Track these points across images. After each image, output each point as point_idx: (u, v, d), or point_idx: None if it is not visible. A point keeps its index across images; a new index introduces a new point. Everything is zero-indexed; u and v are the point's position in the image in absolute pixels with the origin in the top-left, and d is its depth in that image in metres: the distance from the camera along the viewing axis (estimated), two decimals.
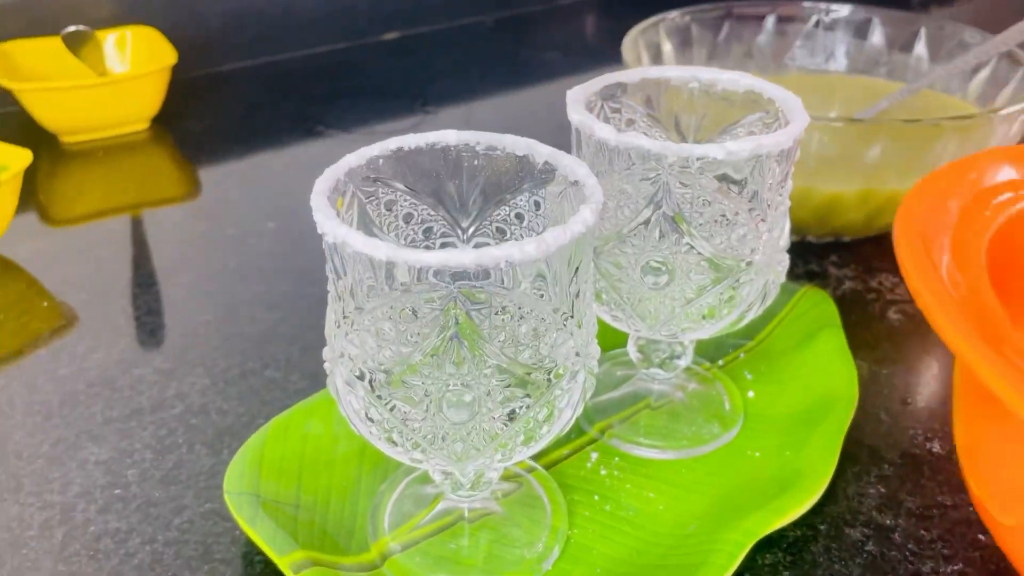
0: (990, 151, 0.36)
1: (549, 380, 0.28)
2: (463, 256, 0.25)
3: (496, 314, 0.27)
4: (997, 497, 0.30)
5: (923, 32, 0.63)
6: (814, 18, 0.66)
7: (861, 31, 0.66)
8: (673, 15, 0.64)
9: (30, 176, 0.58)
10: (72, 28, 0.69)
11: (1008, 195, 0.33)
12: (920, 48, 0.63)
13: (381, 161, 0.31)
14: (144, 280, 0.54)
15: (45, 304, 0.51)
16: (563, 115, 0.35)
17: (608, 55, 0.61)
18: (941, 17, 0.65)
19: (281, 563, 0.32)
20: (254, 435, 0.37)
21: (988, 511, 0.30)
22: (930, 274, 0.27)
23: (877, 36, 0.65)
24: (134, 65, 0.74)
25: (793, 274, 0.52)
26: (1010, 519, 0.29)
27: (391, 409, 0.28)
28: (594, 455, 0.39)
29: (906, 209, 0.31)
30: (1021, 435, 0.27)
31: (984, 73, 0.58)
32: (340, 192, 0.29)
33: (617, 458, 0.39)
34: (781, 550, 0.36)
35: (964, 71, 0.59)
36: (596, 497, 0.37)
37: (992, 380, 0.23)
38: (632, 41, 0.59)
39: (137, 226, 0.60)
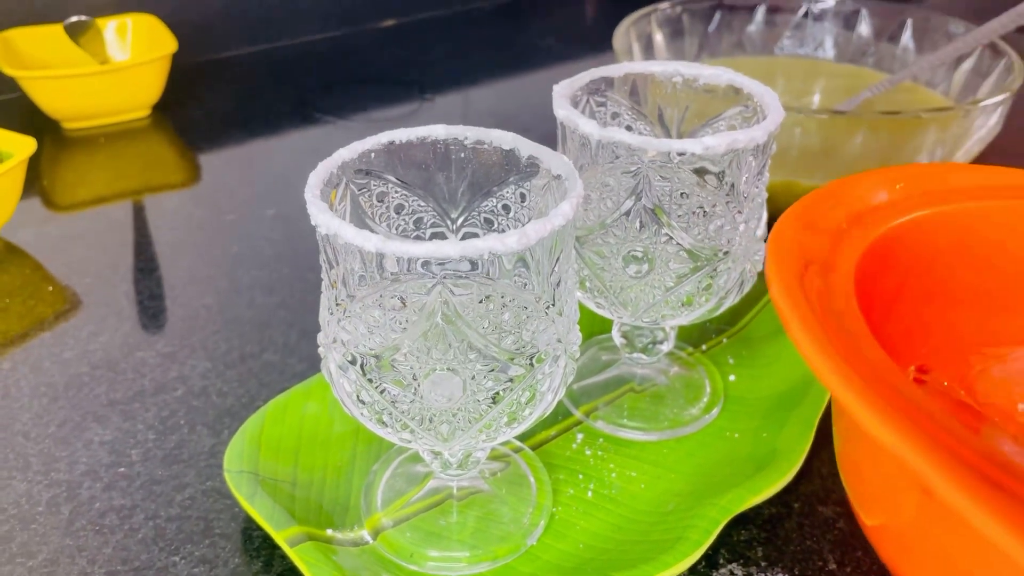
0: (866, 173, 0.37)
1: (531, 365, 0.30)
2: (449, 248, 0.26)
3: (480, 302, 0.28)
4: (861, 501, 0.32)
5: (909, 23, 0.64)
6: (803, 8, 0.67)
7: (849, 22, 0.67)
8: (664, 6, 0.65)
9: (33, 162, 0.59)
10: (74, 18, 0.70)
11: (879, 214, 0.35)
12: (906, 39, 0.65)
13: (373, 155, 0.32)
14: (146, 265, 0.55)
15: (50, 288, 0.53)
16: None
17: (605, 42, 0.62)
18: (928, 8, 0.66)
19: (278, 537, 0.34)
20: (253, 416, 0.39)
21: (857, 514, 0.32)
22: (799, 301, 0.28)
23: (865, 27, 0.66)
24: (135, 53, 0.75)
25: None
26: (872, 520, 0.31)
27: (381, 392, 0.29)
28: (579, 436, 0.41)
29: (778, 233, 0.32)
30: (871, 450, 0.29)
31: (968, 64, 0.60)
32: (334, 184, 0.31)
33: (601, 439, 0.41)
34: (756, 526, 0.37)
35: (948, 63, 0.60)
36: (580, 476, 0.39)
37: (851, 404, 0.24)
38: (624, 32, 0.60)
39: (139, 212, 0.62)
